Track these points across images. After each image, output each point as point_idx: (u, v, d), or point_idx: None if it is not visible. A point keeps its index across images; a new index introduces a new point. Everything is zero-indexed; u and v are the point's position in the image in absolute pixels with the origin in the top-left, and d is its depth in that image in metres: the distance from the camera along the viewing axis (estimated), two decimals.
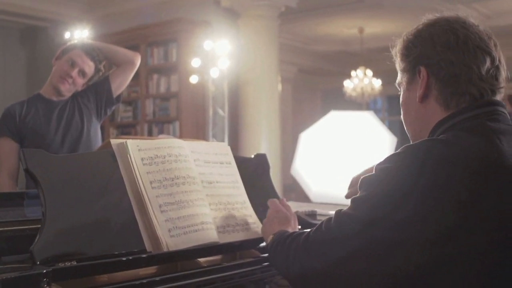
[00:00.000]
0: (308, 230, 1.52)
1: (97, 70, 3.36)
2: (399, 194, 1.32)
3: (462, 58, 1.45)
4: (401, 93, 1.61)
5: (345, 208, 1.45)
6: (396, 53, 1.60)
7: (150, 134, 7.94)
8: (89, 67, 3.30)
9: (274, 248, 1.62)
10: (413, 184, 1.31)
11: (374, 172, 1.42)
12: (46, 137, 3.25)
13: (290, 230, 1.70)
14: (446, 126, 1.45)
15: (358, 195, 1.43)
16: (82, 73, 3.28)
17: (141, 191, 1.64)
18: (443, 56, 1.47)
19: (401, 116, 1.62)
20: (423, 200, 1.30)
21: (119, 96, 3.53)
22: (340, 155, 6.65)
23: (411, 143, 1.49)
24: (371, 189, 1.39)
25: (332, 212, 2.20)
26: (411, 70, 1.54)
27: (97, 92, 3.43)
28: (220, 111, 7.64)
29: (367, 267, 1.37)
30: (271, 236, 1.68)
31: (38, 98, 3.34)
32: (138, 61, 3.55)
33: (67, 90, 3.30)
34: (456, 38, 1.47)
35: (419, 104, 1.52)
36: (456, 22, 1.50)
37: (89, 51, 3.31)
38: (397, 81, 1.63)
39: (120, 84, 3.51)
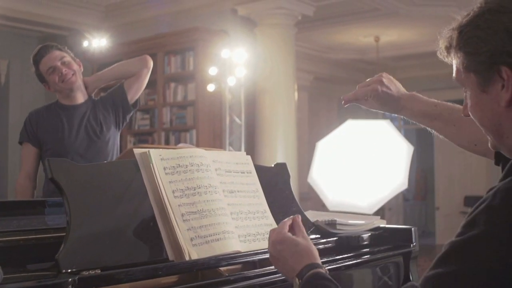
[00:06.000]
0: None
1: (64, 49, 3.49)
2: None
3: None
4: (469, 93, 1.32)
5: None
6: (449, 47, 1.32)
7: (167, 142, 7.98)
8: (59, 55, 3.43)
9: None
10: None
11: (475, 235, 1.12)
12: (64, 141, 3.40)
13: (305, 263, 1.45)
14: None
15: (452, 270, 1.13)
16: (62, 63, 3.41)
17: (163, 200, 1.65)
18: None
19: (472, 116, 1.34)
20: None
21: (135, 103, 3.60)
22: (357, 163, 6.68)
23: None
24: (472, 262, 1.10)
25: (352, 222, 2.19)
26: (486, 70, 1.23)
27: (114, 101, 3.54)
28: (237, 120, 7.65)
29: None
30: (296, 280, 1.44)
31: (57, 104, 3.52)
32: (150, 63, 3.61)
33: (74, 82, 3.44)
34: None
35: (505, 109, 1.23)
36: None
37: (43, 52, 3.44)
38: (455, 77, 1.35)
39: (137, 90, 3.58)
